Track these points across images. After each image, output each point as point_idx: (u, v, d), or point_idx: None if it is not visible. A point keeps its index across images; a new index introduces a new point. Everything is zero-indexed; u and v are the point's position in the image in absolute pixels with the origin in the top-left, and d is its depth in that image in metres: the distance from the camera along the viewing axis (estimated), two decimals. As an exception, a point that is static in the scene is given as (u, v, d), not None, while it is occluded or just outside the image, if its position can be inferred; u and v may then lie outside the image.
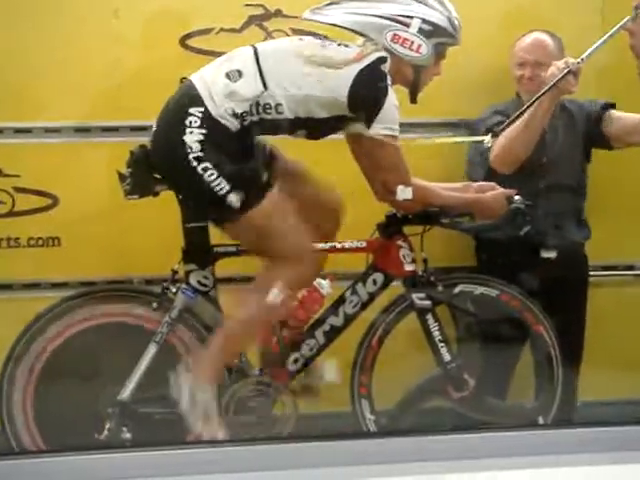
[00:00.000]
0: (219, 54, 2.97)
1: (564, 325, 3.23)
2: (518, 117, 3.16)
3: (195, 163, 2.75)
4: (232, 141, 2.79)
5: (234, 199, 2.76)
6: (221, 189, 2.75)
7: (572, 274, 3.42)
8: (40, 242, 3.43)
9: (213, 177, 2.75)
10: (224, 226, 2.88)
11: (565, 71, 3.11)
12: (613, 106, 3.45)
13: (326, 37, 2.92)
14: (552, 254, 3.35)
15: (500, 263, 3.32)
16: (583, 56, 3.17)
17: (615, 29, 3.11)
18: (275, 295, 2.82)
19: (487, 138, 3.13)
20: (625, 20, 3.09)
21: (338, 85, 2.80)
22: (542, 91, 3.18)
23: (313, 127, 2.87)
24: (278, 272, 2.83)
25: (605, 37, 3.13)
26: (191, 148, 2.75)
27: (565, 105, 3.43)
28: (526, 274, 3.24)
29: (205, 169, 2.75)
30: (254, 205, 2.79)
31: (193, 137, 2.75)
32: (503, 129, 3.15)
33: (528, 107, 3.18)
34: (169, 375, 2.85)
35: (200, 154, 2.75)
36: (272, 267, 2.87)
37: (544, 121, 3.21)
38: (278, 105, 2.78)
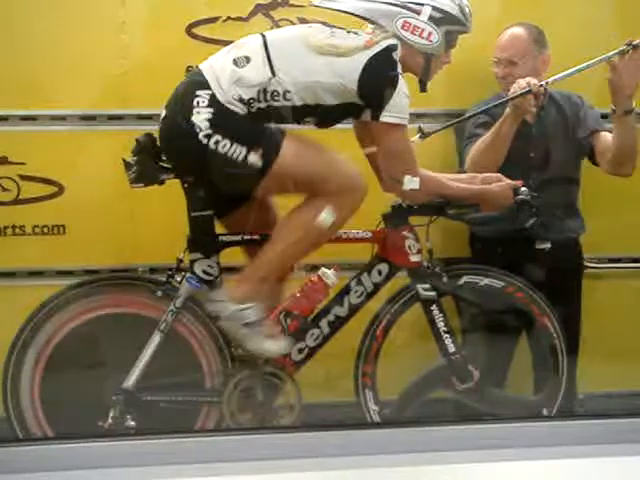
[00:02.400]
0: (226, 43, 2.97)
1: (561, 317, 3.22)
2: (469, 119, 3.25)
3: (206, 141, 2.74)
4: (241, 121, 2.78)
5: (254, 158, 2.75)
6: (239, 154, 2.74)
7: (566, 265, 3.41)
8: (45, 230, 3.44)
9: (227, 147, 2.74)
10: (258, 189, 2.85)
11: (524, 90, 3.10)
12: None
13: (335, 25, 2.91)
14: (546, 245, 3.35)
15: (494, 254, 3.32)
16: (548, 80, 3.18)
17: (598, 59, 3.13)
18: (326, 217, 2.80)
19: (414, 138, 3.12)
20: (612, 53, 3.09)
21: (348, 72, 2.79)
22: (493, 104, 3.22)
23: (322, 115, 2.86)
24: (327, 198, 2.81)
25: (583, 65, 3.15)
26: (200, 128, 2.74)
27: (553, 97, 3.40)
28: (520, 265, 3.23)
29: (217, 142, 2.74)
30: (277, 154, 2.78)
31: (201, 116, 2.75)
32: (432, 132, 3.15)
33: (465, 118, 3.26)
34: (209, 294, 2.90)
35: (209, 131, 2.74)
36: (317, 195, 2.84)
37: (509, 138, 3.18)
38: (286, 92, 2.78)
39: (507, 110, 3.16)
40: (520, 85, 3.13)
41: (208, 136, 2.74)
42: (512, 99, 3.13)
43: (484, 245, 3.44)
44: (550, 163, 3.37)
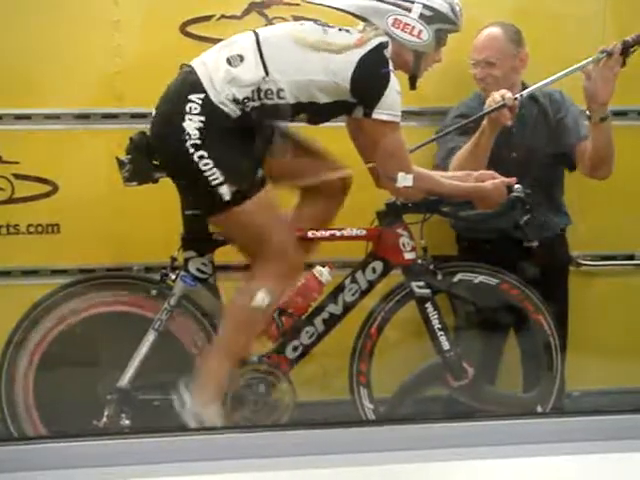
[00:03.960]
0: (219, 41, 2.96)
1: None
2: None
3: (192, 150, 2.74)
4: (232, 129, 2.78)
5: (226, 191, 2.76)
6: (215, 179, 2.75)
7: (554, 261, 3.42)
8: (39, 229, 3.44)
9: (208, 167, 2.74)
10: (212, 216, 2.88)
11: (499, 105, 3.11)
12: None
13: (327, 23, 2.91)
14: (533, 242, 3.36)
15: (480, 252, 3.33)
16: (523, 92, 3.19)
17: (572, 68, 3.14)
18: (260, 298, 2.82)
19: None
20: (586, 62, 3.10)
21: (341, 70, 2.79)
22: (470, 119, 3.22)
23: (315, 112, 2.86)
24: (261, 272, 2.84)
25: (559, 75, 3.17)
26: (189, 135, 2.74)
27: (534, 95, 3.38)
28: (508, 263, 3.23)
29: (201, 157, 2.74)
30: (244, 200, 2.78)
31: (192, 124, 2.75)
32: (415, 148, 3.14)
33: (445, 134, 3.27)
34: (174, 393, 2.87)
35: (198, 142, 2.74)
36: (253, 271, 2.87)
37: (487, 149, 3.18)
38: (280, 90, 2.78)
39: (484, 123, 3.16)
40: (495, 99, 3.14)
41: (195, 147, 2.74)
42: (487, 113, 3.14)
43: (470, 243, 3.45)
44: (533, 162, 3.37)
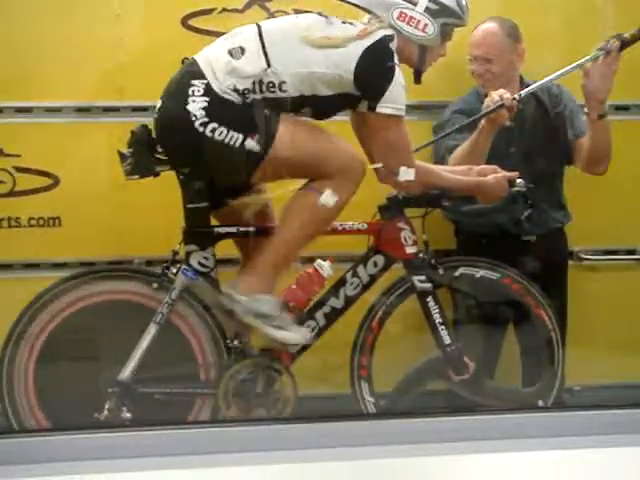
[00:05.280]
0: (221, 34, 2.95)
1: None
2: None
3: (202, 129, 2.74)
4: (236, 108, 2.78)
5: (252, 143, 2.75)
6: (236, 140, 2.74)
7: (552, 256, 3.42)
8: (41, 222, 3.44)
9: (224, 134, 2.73)
10: (256, 174, 2.82)
11: (497, 105, 3.11)
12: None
13: (330, 15, 2.90)
14: (531, 237, 3.37)
15: (479, 246, 3.33)
16: (521, 92, 3.18)
17: (571, 67, 3.14)
18: (328, 196, 2.79)
19: None
20: (584, 59, 3.10)
21: (344, 62, 2.78)
22: (468, 120, 3.21)
23: (318, 105, 2.85)
24: (327, 179, 2.80)
25: (556, 74, 3.16)
26: (196, 116, 2.74)
27: (534, 92, 3.38)
28: (506, 257, 3.22)
29: (213, 130, 2.74)
30: (273, 138, 2.77)
31: (196, 105, 2.74)
32: (418, 149, 3.13)
33: (446, 135, 3.26)
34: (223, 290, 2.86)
35: (205, 119, 2.74)
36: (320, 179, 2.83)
37: (486, 147, 3.18)
38: (282, 83, 2.77)
39: (482, 122, 3.16)
40: (493, 99, 3.13)
41: (204, 124, 2.74)
42: (486, 114, 3.13)
43: (468, 236, 3.45)
44: (531, 156, 3.36)
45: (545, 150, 3.39)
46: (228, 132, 2.74)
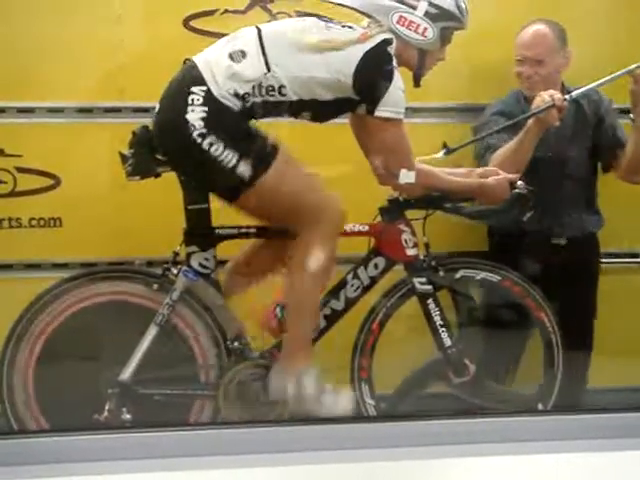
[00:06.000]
0: (223, 36, 2.95)
1: (572, 311, 3.26)
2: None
3: (200, 140, 2.73)
4: (235, 119, 2.78)
5: (244, 168, 2.74)
6: (229, 161, 2.73)
7: (582, 261, 3.43)
8: (42, 223, 3.43)
9: (220, 151, 2.73)
10: (238, 200, 2.82)
11: (547, 105, 3.10)
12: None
13: (330, 19, 2.90)
14: (562, 240, 3.37)
15: (511, 248, 3.34)
16: (572, 94, 3.17)
17: (620, 73, 3.12)
18: (317, 260, 2.79)
19: (439, 154, 3.13)
20: (635, 65, 3.08)
21: (343, 66, 2.78)
22: (519, 118, 3.21)
23: (317, 109, 2.85)
24: (308, 236, 2.79)
25: (606, 79, 3.15)
26: (194, 126, 2.73)
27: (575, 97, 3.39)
28: (536, 259, 3.25)
29: (211, 144, 2.73)
30: (265, 170, 2.76)
31: (196, 115, 2.74)
32: (457, 148, 3.15)
33: (490, 134, 3.24)
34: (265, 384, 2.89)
35: (204, 130, 2.73)
36: (301, 237, 2.82)
37: (532, 148, 3.18)
38: (281, 87, 2.77)
39: (529, 122, 3.15)
40: (543, 99, 3.12)
41: (202, 135, 2.73)
42: (536, 113, 3.12)
43: (501, 239, 3.44)
44: (567, 161, 3.38)
45: (581, 155, 3.41)
46: (224, 150, 2.73)
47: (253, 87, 2.76)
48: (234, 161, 2.73)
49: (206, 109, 2.74)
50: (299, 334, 2.88)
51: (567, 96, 3.16)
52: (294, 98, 2.79)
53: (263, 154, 2.77)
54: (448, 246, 3.41)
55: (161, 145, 2.88)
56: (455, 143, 3.19)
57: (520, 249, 3.31)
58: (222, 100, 2.75)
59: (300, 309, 2.89)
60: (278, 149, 2.80)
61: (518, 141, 3.19)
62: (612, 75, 3.16)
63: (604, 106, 3.42)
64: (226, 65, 2.77)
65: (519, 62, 3.38)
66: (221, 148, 2.73)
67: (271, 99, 2.78)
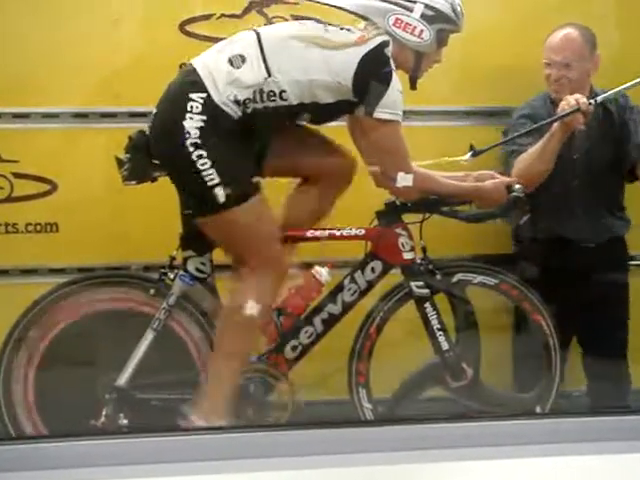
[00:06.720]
0: (219, 40, 2.96)
1: (604, 314, 3.32)
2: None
3: (191, 149, 2.74)
4: (232, 131, 2.78)
5: (220, 193, 2.75)
6: (210, 180, 2.74)
7: (611, 264, 3.43)
8: (38, 228, 3.43)
9: (205, 167, 2.73)
10: (202, 217, 2.85)
11: (573, 109, 3.11)
12: None
13: (328, 22, 2.90)
14: (590, 244, 3.38)
15: (537, 250, 3.35)
16: (597, 98, 3.18)
17: None
18: (250, 307, 2.80)
19: (467, 156, 3.14)
20: None
21: (342, 69, 2.79)
22: (545, 121, 3.21)
23: (317, 112, 2.86)
24: (247, 279, 2.83)
25: (631, 83, 3.14)
26: (189, 134, 2.74)
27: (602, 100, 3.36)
28: (563, 262, 3.27)
29: (200, 156, 2.73)
30: (237, 205, 2.77)
31: (193, 123, 2.74)
32: (484, 150, 3.15)
33: (516, 137, 3.25)
34: None
35: (197, 141, 2.73)
36: (241, 275, 2.86)
37: (556, 151, 3.18)
38: (282, 92, 2.77)
39: (555, 125, 3.16)
40: (569, 103, 3.12)
41: (195, 145, 2.73)
42: (562, 117, 3.12)
43: (527, 242, 3.44)
44: (594, 165, 3.38)
45: (608, 159, 3.41)
46: (210, 168, 2.73)
47: (254, 92, 2.77)
48: (214, 182, 2.74)
49: (204, 118, 2.74)
50: (215, 384, 2.86)
51: (592, 100, 3.16)
52: (295, 102, 2.79)
53: (242, 189, 2.79)
54: (448, 248, 3.41)
55: (155, 148, 2.88)
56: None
57: (548, 253, 3.34)
58: (222, 107, 2.75)
59: (227, 346, 2.88)
60: (258, 191, 2.82)
61: (542, 145, 3.19)
62: (637, 80, 3.16)
63: (631, 111, 3.42)
64: (226, 71, 2.77)
65: (547, 65, 3.38)
66: (207, 165, 2.73)
67: (272, 104, 2.78)
